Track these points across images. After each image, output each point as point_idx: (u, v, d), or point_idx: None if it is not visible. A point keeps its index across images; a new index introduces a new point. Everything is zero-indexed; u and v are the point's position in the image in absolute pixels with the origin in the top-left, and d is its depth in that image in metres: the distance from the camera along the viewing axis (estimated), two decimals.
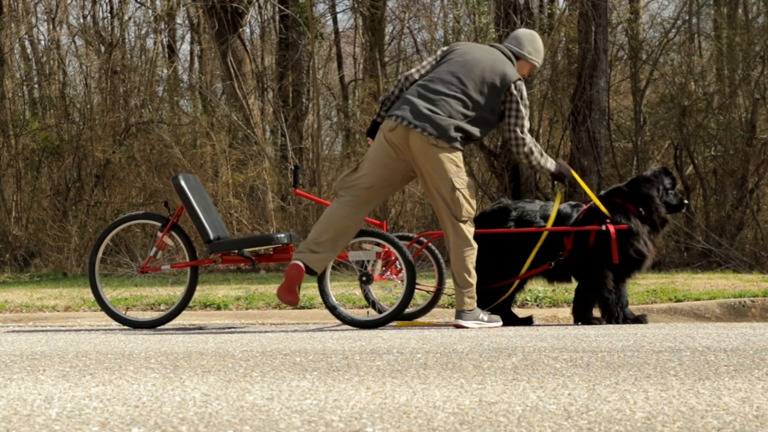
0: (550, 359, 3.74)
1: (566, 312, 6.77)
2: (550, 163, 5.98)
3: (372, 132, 6.07)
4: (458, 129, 5.73)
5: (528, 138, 5.85)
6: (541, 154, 5.92)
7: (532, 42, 6.06)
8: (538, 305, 7.41)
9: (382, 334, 5.35)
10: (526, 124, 5.86)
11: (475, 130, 5.80)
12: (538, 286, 7.53)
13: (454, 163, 5.74)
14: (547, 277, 6.21)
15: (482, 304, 6.01)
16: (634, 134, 13.48)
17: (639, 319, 6.06)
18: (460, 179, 5.78)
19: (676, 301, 7.14)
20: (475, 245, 5.82)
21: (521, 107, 5.81)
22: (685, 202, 6.14)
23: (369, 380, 3.24)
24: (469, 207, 5.80)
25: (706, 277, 8.96)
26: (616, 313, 6.02)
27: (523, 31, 6.18)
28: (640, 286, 7.88)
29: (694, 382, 3.08)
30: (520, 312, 6.42)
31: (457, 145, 5.75)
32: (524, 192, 12.36)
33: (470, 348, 4.28)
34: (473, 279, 5.78)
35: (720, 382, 3.05)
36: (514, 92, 5.80)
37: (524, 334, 5.11)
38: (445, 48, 6.06)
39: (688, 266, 11.10)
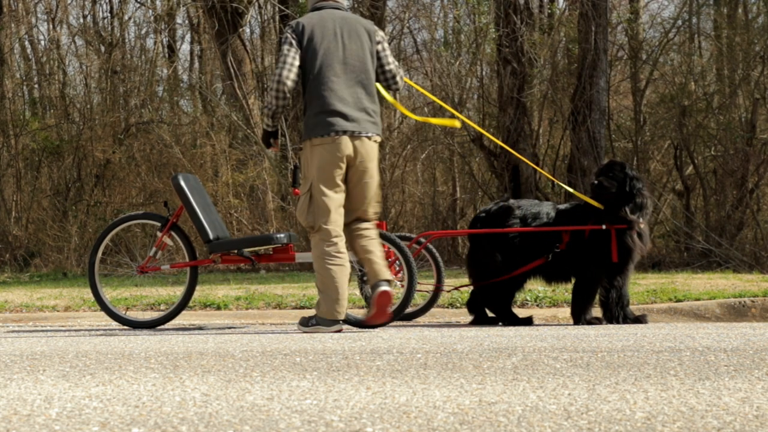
0: (550, 359, 3.74)
1: (566, 312, 6.78)
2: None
3: (267, 141, 5.88)
4: (379, 113, 5.80)
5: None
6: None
7: None
8: (538, 305, 7.41)
9: (382, 334, 5.35)
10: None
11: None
12: (538, 286, 7.53)
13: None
14: (546, 277, 6.22)
15: (488, 301, 6.13)
16: (634, 134, 13.48)
17: (639, 319, 6.07)
18: None
19: (676, 301, 7.14)
20: None
21: (387, 44, 5.85)
22: (594, 183, 5.97)
23: (369, 380, 3.25)
24: None
25: (706, 277, 8.96)
26: (616, 313, 6.03)
27: None
28: (640, 286, 7.88)
29: (694, 382, 3.08)
30: (520, 312, 6.42)
31: None
32: (524, 192, 12.37)
33: (470, 348, 4.28)
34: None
35: (720, 382, 3.05)
36: (379, 37, 5.79)
37: (524, 334, 5.11)
38: (292, 35, 5.66)
39: (688, 266, 11.09)
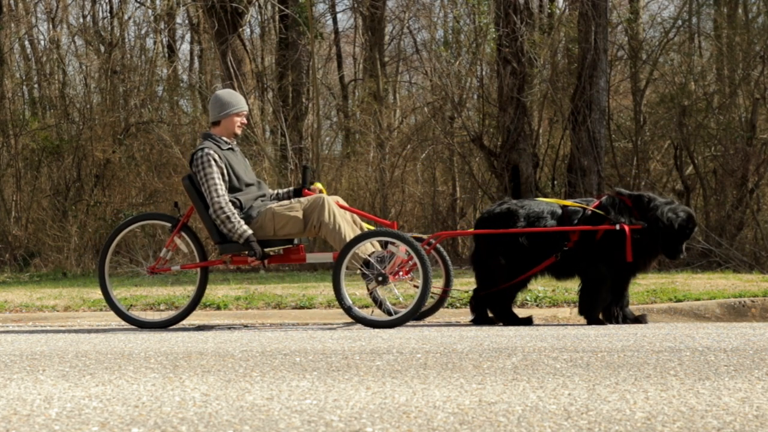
0: (550, 359, 3.74)
1: (566, 312, 6.78)
2: (243, 230, 6.15)
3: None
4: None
5: (219, 203, 6.15)
6: (232, 221, 6.13)
7: (213, 104, 6.47)
8: (538, 305, 7.41)
9: (382, 334, 5.35)
10: (215, 188, 6.16)
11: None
12: (538, 286, 7.52)
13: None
14: (555, 274, 6.17)
15: (494, 304, 6.10)
16: (634, 134, 13.48)
17: (639, 319, 6.06)
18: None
19: (676, 301, 7.13)
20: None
21: (204, 174, 6.18)
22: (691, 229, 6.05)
23: (369, 380, 3.24)
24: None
25: (706, 277, 8.95)
26: (616, 313, 6.02)
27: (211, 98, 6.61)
28: (640, 286, 7.88)
29: (694, 382, 3.08)
30: (520, 312, 6.41)
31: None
32: (524, 191, 12.37)
33: (470, 348, 4.28)
34: None
35: (720, 382, 3.05)
36: (192, 165, 6.26)
37: (524, 334, 5.11)
38: None
39: (688, 266, 11.09)
